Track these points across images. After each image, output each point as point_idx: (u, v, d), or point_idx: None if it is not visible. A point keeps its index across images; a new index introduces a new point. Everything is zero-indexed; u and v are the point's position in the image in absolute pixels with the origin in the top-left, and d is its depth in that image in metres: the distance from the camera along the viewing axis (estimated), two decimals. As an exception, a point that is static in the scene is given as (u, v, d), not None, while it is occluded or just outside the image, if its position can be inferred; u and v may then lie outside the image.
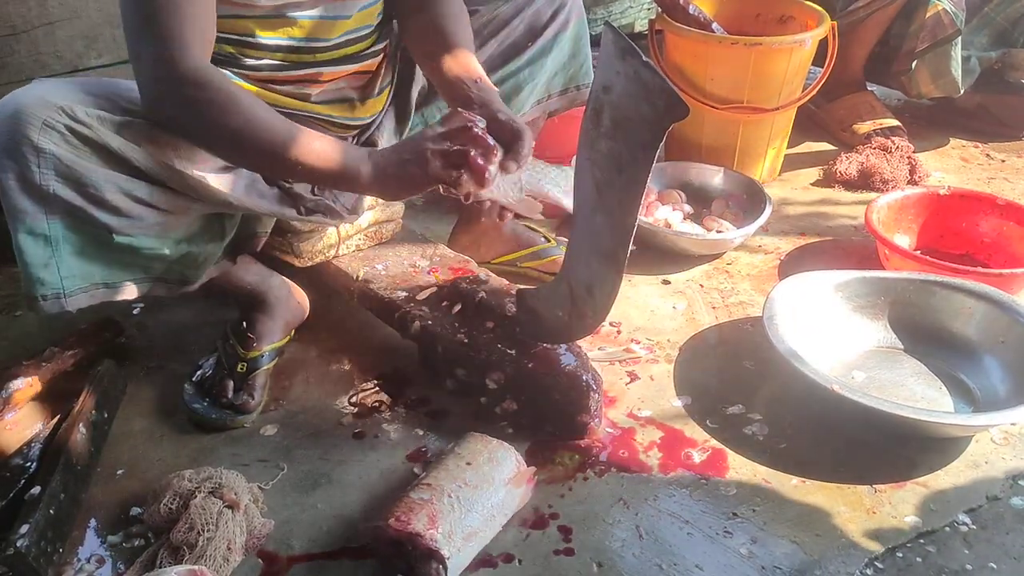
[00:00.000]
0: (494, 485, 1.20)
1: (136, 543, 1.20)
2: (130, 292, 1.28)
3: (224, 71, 1.20)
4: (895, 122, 2.30)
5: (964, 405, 1.44)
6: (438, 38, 1.37)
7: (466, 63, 1.35)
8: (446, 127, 1.19)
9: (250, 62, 1.31)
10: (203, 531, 1.13)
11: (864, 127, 2.29)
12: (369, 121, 1.50)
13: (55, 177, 1.13)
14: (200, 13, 1.15)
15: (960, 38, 2.12)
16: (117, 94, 1.19)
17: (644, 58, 1.06)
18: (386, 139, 1.54)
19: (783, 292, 1.52)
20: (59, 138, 1.12)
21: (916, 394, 1.46)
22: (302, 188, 1.40)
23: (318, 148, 1.18)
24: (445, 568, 1.10)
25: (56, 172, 1.13)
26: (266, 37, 1.30)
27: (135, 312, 1.68)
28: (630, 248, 1.18)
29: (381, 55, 1.47)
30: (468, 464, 1.21)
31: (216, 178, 1.24)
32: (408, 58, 1.54)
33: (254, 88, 1.31)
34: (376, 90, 1.49)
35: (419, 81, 1.58)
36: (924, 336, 1.54)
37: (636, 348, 1.58)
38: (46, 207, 1.14)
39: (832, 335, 1.54)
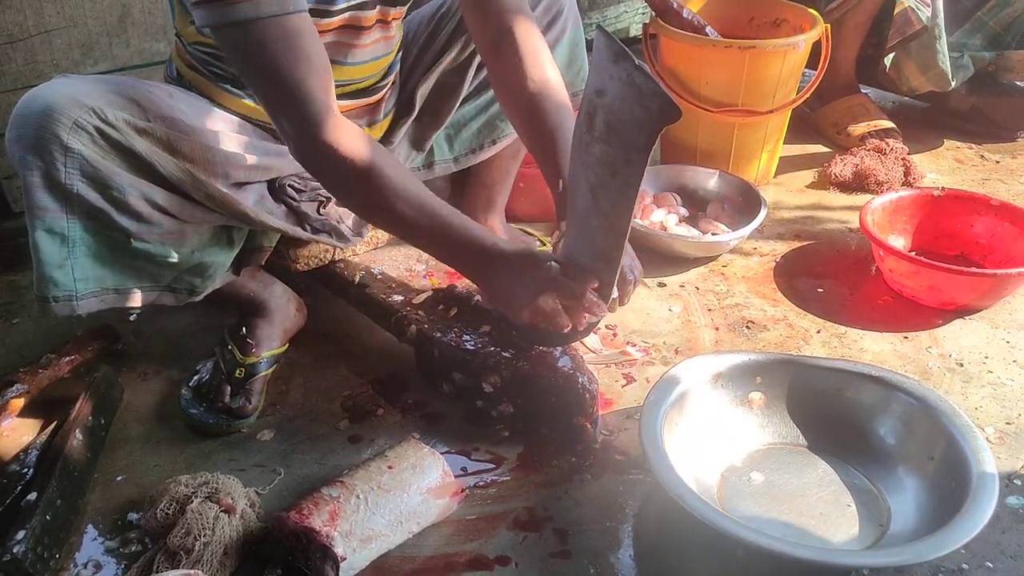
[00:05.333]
0: (409, 492, 1.20)
1: (133, 548, 1.20)
2: (139, 299, 1.29)
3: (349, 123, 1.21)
4: (889, 124, 2.31)
5: (871, 528, 1.22)
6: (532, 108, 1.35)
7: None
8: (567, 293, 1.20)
9: None
10: (199, 536, 1.13)
11: (859, 129, 2.29)
12: None
13: (80, 177, 1.14)
14: (317, 63, 1.14)
15: (944, 34, 2.13)
16: (143, 98, 1.19)
17: (637, 61, 1.06)
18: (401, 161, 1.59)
19: (673, 378, 1.33)
20: (88, 139, 1.13)
21: (814, 509, 1.25)
22: (308, 207, 1.42)
23: (446, 234, 1.22)
24: (337, 566, 1.11)
25: (82, 172, 1.14)
26: None
27: (132, 318, 1.68)
28: (624, 253, 1.20)
29: (388, 86, 1.49)
30: (389, 468, 1.22)
31: (230, 190, 1.26)
32: (420, 88, 1.56)
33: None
34: (381, 115, 1.51)
35: (437, 116, 1.60)
36: (843, 436, 1.33)
37: (632, 351, 1.59)
38: (67, 206, 1.15)
39: (732, 427, 1.36)
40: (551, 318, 1.21)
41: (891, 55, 2.24)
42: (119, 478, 1.33)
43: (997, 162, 2.31)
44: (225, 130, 1.29)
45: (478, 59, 1.56)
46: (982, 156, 2.34)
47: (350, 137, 1.16)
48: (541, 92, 1.34)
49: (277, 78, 1.13)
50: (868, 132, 2.28)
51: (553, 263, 1.21)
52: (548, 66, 1.36)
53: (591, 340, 1.57)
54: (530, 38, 1.35)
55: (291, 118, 1.15)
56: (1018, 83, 2.43)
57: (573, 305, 1.21)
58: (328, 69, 1.17)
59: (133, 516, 1.25)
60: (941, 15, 2.12)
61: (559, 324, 1.22)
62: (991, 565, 1.17)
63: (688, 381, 1.33)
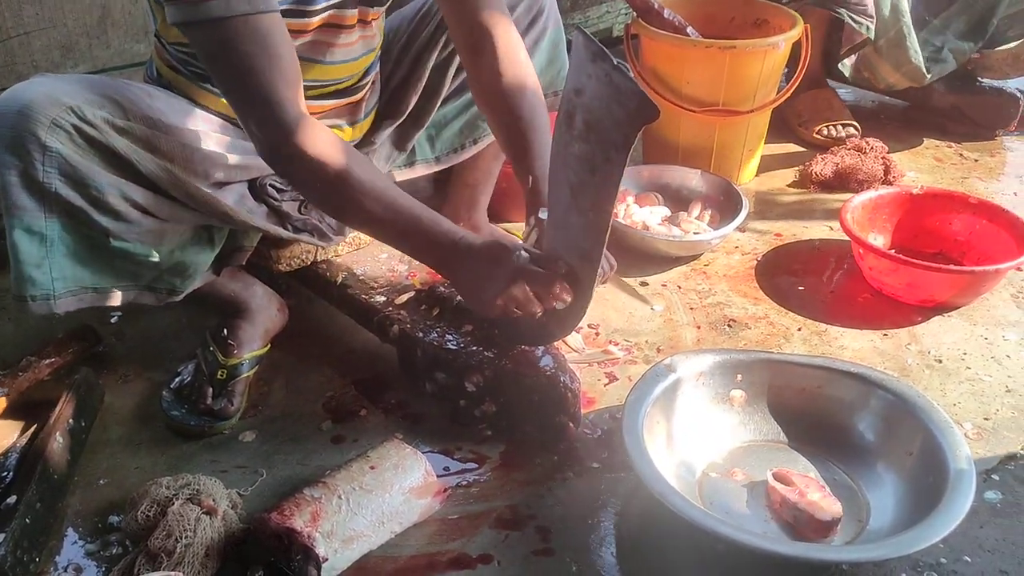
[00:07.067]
0: (391, 492, 1.20)
1: (114, 551, 1.20)
2: (118, 299, 1.28)
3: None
4: (849, 120, 2.36)
5: (850, 524, 1.21)
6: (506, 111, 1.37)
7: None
8: (537, 272, 1.22)
9: None
10: (181, 538, 1.12)
11: (821, 129, 2.35)
12: (355, 143, 1.52)
13: (58, 176, 1.13)
14: (287, 65, 1.14)
15: (912, 31, 2.17)
16: (122, 97, 1.19)
17: (615, 61, 1.07)
18: (380, 165, 1.60)
19: (655, 376, 1.33)
20: (66, 137, 1.13)
21: None
22: (290, 207, 1.41)
23: (416, 230, 1.23)
24: (319, 567, 1.10)
25: (60, 171, 1.13)
26: None
27: (113, 320, 1.67)
28: (603, 255, 1.21)
29: (368, 86, 1.49)
30: (371, 468, 1.22)
31: (211, 190, 1.26)
32: (410, 92, 1.56)
33: None
34: (363, 114, 1.51)
35: (418, 116, 1.61)
36: (823, 432, 1.34)
37: (614, 349, 1.59)
38: (46, 206, 1.15)
39: (713, 424, 1.36)
40: (522, 306, 1.23)
41: (845, 61, 2.33)
42: (100, 481, 1.32)
43: (976, 160, 2.33)
44: (205, 129, 1.29)
45: (458, 59, 1.56)
46: (961, 155, 2.36)
47: (318, 139, 1.16)
48: (516, 90, 1.35)
49: (246, 80, 1.12)
50: (828, 126, 2.34)
51: (521, 252, 1.23)
52: (524, 65, 1.38)
53: (573, 339, 1.58)
54: (508, 37, 1.37)
55: (259, 121, 1.15)
56: (996, 82, 2.46)
57: (543, 292, 1.22)
58: (298, 71, 1.17)
59: (114, 519, 1.24)
60: (907, 15, 2.15)
61: (530, 312, 1.24)
62: (969, 559, 1.18)
63: (670, 379, 1.33)
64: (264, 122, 1.14)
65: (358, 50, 1.41)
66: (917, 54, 2.19)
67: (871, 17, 2.16)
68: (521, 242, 1.28)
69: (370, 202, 1.20)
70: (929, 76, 2.23)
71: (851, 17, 2.15)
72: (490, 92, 1.38)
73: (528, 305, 1.23)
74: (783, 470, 1.27)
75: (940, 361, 1.57)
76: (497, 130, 1.42)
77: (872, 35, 2.17)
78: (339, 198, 1.20)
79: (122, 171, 1.18)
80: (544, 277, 1.21)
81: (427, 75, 1.56)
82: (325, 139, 1.17)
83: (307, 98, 1.37)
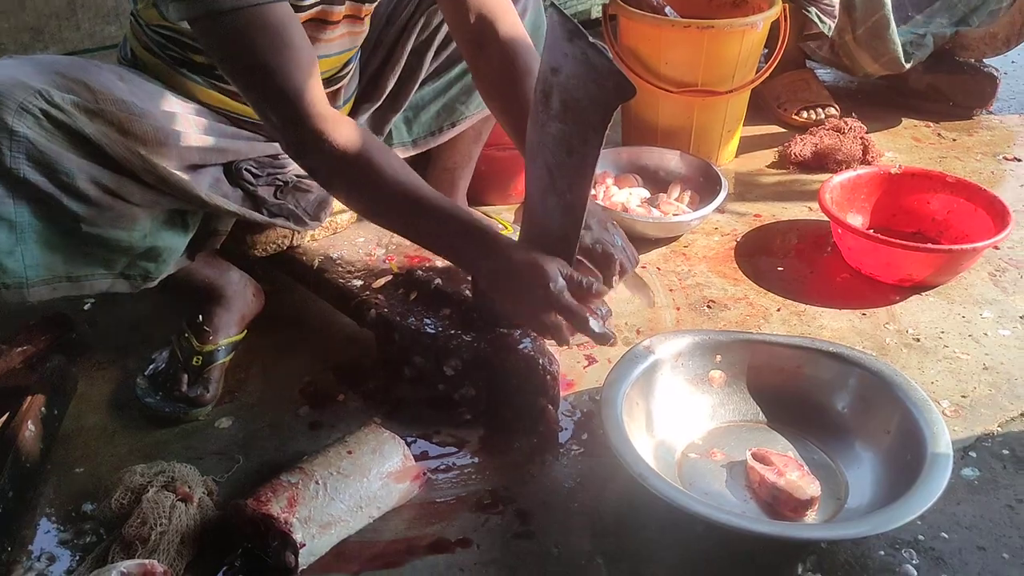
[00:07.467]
0: (369, 477, 1.19)
1: (88, 539, 1.18)
2: (92, 287, 1.26)
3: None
4: (830, 103, 2.37)
5: (829, 502, 1.22)
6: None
7: None
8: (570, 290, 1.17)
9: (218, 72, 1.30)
10: (155, 525, 1.11)
11: (800, 111, 2.36)
12: None
13: (26, 162, 1.10)
14: (304, 56, 1.12)
15: (892, 22, 2.17)
16: (93, 80, 1.16)
17: (591, 39, 1.06)
18: None
19: (634, 357, 1.33)
20: (34, 122, 1.10)
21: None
22: (265, 192, 1.39)
23: (438, 224, 1.20)
24: (296, 553, 1.10)
25: (28, 156, 1.10)
26: None
27: (86, 307, 1.65)
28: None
29: (348, 75, 1.47)
30: (349, 453, 1.21)
31: (184, 173, 1.24)
32: (389, 76, 1.54)
33: (226, 97, 1.33)
34: (342, 102, 1.49)
35: (395, 99, 1.58)
36: (802, 412, 1.34)
37: (594, 332, 1.59)
38: (14, 192, 1.12)
39: (692, 405, 1.36)
40: (548, 333, 1.21)
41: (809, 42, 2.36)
42: (73, 469, 1.31)
43: (954, 140, 2.34)
44: (179, 112, 1.27)
45: (437, 41, 1.54)
46: (939, 134, 2.37)
47: (342, 129, 1.14)
48: (523, 82, 1.32)
49: (262, 72, 1.10)
50: (804, 107, 2.35)
51: (559, 279, 1.17)
52: (531, 55, 1.35)
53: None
54: (513, 28, 1.35)
55: (280, 114, 1.13)
56: (973, 61, 2.47)
57: (575, 325, 1.18)
58: (314, 59, 1.15)
59: (88, 507, 1.23)
60: (888, 5, 2.15)
61: (559, 340, 1.21)
62: (946, 535, 1.19)
63: (649, 361, 1.33)
64: (283, 115, 1.13)
65: (343, 44, 1.39)
66: (896, 45, 2.19)
67: (835, 17, 2.19)
68: (559, 264, 1.20)
69: (399, 197, 1.18)
70: (908, 64, 2.24)
71: (818, 16, 2.17)
72: (496, 85, 1.36)
73: (556, 332, 1.20)
74: (762, 450, 1.27)
75: (918, 340, 1.57)
76: (504, 119, 1.39)
77: (829, 33, 2.20)
78: (365, 190, 1.18)
79: (92, 155, 1.16)
80: (579, 316, 1.16)
81: (405, 58, 1.54)
82: (347, 128, 1.15)
83: None
